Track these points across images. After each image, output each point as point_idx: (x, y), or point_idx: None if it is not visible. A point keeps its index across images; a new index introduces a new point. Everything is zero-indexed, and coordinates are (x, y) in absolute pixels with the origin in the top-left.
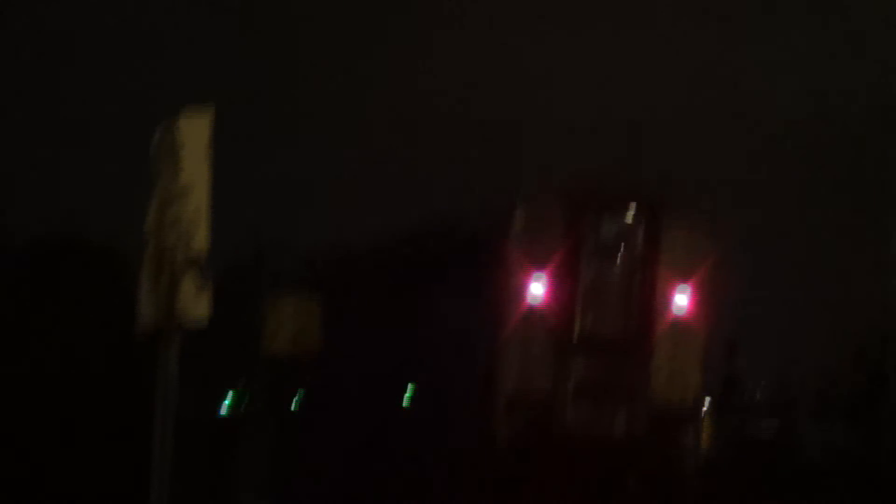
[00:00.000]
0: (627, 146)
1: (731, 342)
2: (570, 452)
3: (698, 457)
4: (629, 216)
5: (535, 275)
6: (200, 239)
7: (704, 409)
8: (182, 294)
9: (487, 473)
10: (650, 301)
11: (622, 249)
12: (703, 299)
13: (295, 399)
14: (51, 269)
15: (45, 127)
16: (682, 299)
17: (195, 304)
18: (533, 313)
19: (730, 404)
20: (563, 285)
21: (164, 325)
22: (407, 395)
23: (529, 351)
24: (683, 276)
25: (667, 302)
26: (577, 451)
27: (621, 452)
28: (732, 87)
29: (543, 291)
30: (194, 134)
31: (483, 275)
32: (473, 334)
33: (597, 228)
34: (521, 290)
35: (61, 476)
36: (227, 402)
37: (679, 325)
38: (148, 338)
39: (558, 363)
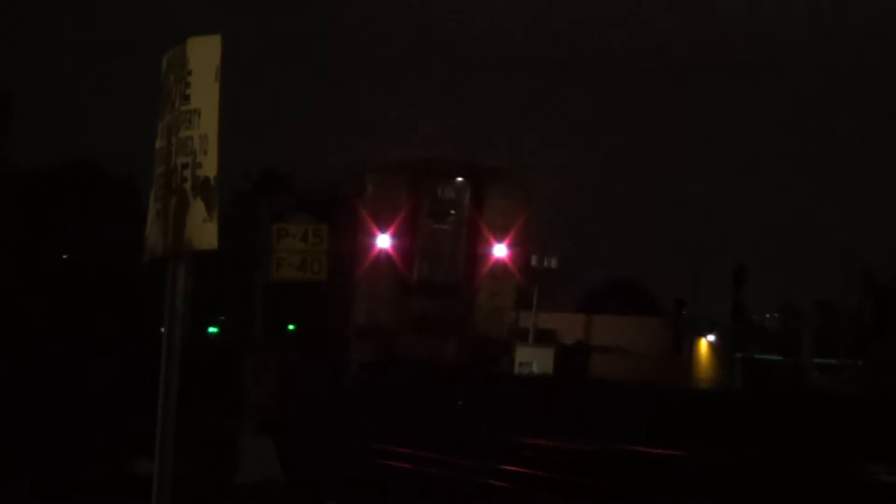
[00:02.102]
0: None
1: (739, 267)
2: (409, 374)
3: (512, 378)
4: (458, 184)
5: (382, 230)
6: (210, 165)
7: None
8: (190, 220)
9: (347, 386)
10: (474, 253)
11: (452, 211)
12: (517, 252)
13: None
14: (62, 194)
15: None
16: (499, 251)
17: (204, 230)
18: (380, 261)
19: (738, 329)
20: (405, 239)
21: (171, 251)
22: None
23: (377, 292)
24: (501, 233)
25: (488, 254)
26: (416, 373)
27: (451, 374)
28: None
29: (389, 244)
30: (204, 58)
31: (340, 228)
32: (336, 276)
33: (433, 194)
34: (371, 242)
35: (66, 391)
36: (211, 329)
37: (497, 273)
38: (155, 263)
39: (400, 302)
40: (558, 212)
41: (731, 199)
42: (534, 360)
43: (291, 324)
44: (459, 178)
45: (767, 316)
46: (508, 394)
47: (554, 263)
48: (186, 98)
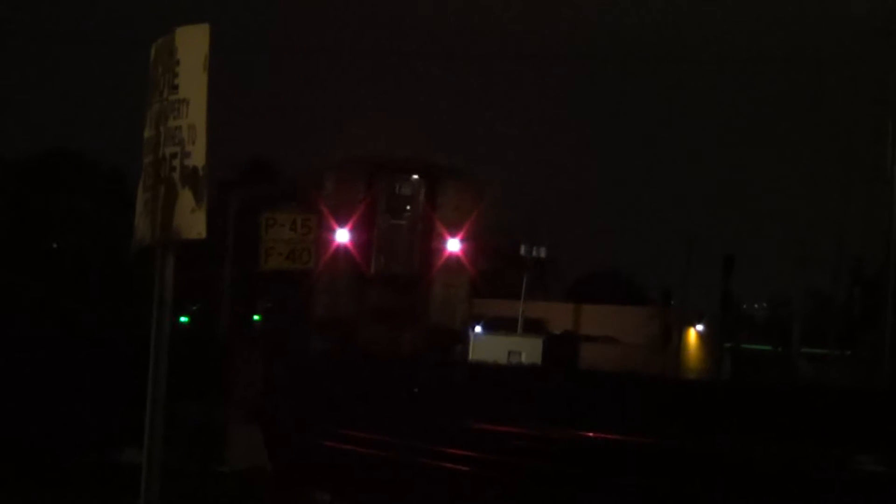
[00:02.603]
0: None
1: (728, 258)
2: (367, 363)
3: (464, 367)
4: (414, 182)
5: (341, 225)
6: (198, 154)
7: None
8: (178, 210)
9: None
10: (429, 247)
11: (408, 207)
12: (469, 246)
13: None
14: (50, 183)
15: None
16: (453, 246)
17: (192, 220)
18: (339, 255)
19: (726, 319)
20: (362, 233)
21: (159, 241)
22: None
23: (336, 284)
24: (454, 228)
25: (442, 248)
26: (373, 362)
27: (406, 363)
28: None
29: (348, 238)
30: (192, 47)
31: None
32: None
33: (389, 190)
34: (330, 237)
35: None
36: (182, 318)
37: (450, 266)
38: (142, 253)
39: (358, 294)
40: (548, 202)
41: (721, 188)
42: (522, 349)
43: (257, 314)
44: (415, 176)
45: (756, 306)
46: (462, 380)
47: (543, 253)
48: (175, 88)
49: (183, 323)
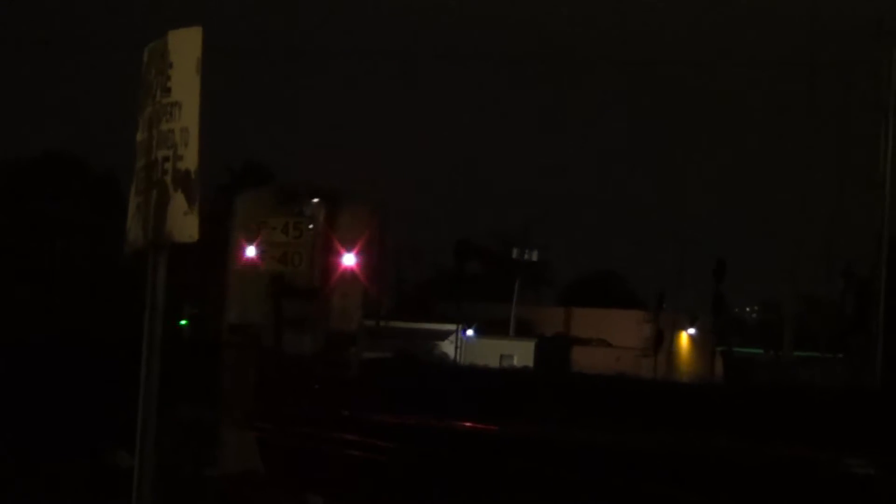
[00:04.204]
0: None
1: (719, 262)
2: (274, 364)
3: (358, 367)
4: (314, 204)
5: (250, 242)
6: (191, 157)
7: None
8: (171, 213)
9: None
10: (329, 261)
11: (311, 226)
12: (363, 260)
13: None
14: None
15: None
16: (348, 260)
17: (184, 223)
18: (249, 267)
19: (718, 322)
20: (271, 247)
21: (152, 244)
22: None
23: (247, 293)
24: (350, 245)
25: (340, 261)
26: (280, 363)
27: (309, 364)
28: None
29: (256, 252)
30: (185, 50)
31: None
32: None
33: (293, 212)
34: (241, 252)
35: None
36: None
37: (346, 278)
38: (135, 256)
39: (267, 301)
40: (539, 205)
41: (713, 193)
42: (514, 352)
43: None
44: (315, 199)
45: (748, 309)
46: (357, 378)
47: (535, 256)
48: (167, 91)
49: (182, 326)
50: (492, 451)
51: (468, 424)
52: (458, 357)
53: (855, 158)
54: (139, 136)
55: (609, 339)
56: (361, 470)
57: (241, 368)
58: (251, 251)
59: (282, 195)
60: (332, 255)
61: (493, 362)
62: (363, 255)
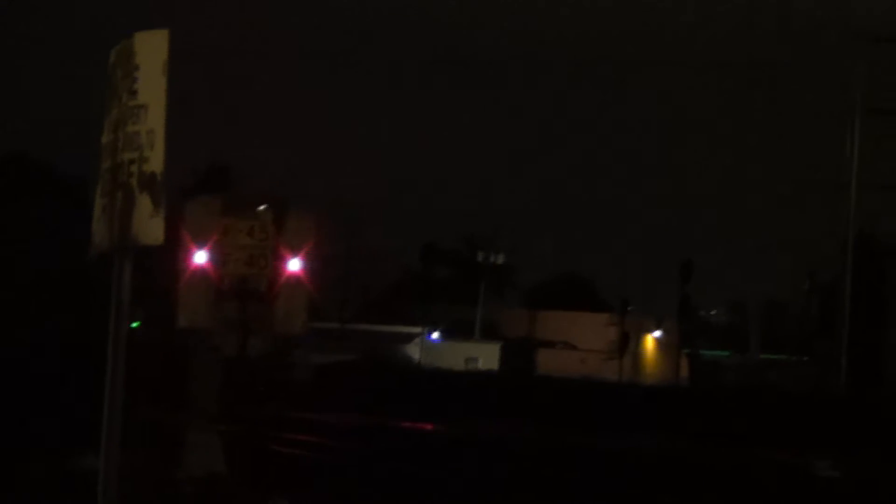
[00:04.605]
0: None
1: (686, 263)
2: (220, 366)
3: (302, 368)
4: (261, 212)
5: (200, 247)
6: (156, 160)
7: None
8: (136, 216)
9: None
10: (275, 265)
11: (257, 230)
12: (308, 265)
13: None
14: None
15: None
16: (294, 264)
17: (149, 225)
18: (198, 272)
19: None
20: (217, 253)
21: (117, 246)
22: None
23: (195, 297)
24: (296, 249)
25: (285, 266)
26: (226, 365)
27: (254, 366)
28: None
29: (205, 258)
30: (151, 53)
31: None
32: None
33: (246, 217)
34: (190, 257)
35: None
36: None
37: (291, 283)
38: (100, 258)
39: (215, 305)
40: (505, 207)
41: (678, 196)
42: (480, 355)
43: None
44: (262, 207)
45: (713, 312)
46: (300, 379)
47: (501, 259)
48: (133, 93)
49: (133, 328)
50: (451, 452)
51: (428, 426)
52: (422, 360)
53: (821, 161)
54: (105, 138)
55: (574, 341)
56: (322, 471)
57: (206, 371)
58: (201, 257)
59: (230, 202)
60: (277, 259)
61: (459, 365)
62: (308, 261)
